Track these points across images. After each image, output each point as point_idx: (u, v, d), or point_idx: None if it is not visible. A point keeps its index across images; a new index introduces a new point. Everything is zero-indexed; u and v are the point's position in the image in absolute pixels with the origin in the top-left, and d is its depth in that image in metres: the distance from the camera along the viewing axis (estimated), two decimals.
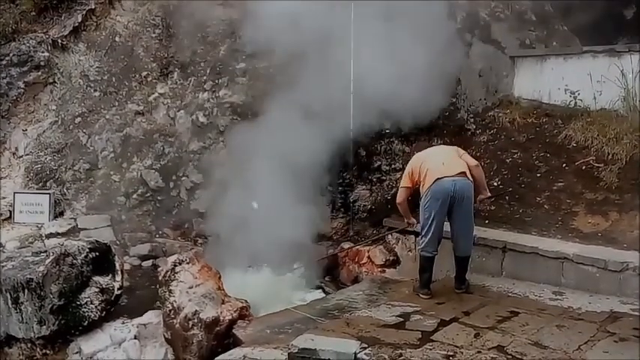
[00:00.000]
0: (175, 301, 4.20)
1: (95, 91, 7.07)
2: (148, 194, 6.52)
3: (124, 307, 4.79)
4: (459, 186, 4.28)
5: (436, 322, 3.89)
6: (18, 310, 4.28)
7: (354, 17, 5.90)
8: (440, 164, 4.38)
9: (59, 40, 7.12)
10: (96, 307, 4.39)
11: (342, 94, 6.00)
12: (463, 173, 4.35)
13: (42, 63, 6.96)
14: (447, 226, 4.48)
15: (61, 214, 6.39)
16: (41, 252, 4.65)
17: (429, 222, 4.35)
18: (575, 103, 5.87)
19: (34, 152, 6.71)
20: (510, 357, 3.33)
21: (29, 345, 4.36)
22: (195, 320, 4.05)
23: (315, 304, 4.63)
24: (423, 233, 4.46)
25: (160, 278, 4.42)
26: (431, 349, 3.45)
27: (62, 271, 4.28)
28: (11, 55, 6.89)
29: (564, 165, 5.47)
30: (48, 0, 7.25)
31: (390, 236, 5.73)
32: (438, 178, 4.29)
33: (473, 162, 4.54)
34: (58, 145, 6.73)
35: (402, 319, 4.00)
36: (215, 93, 7.00)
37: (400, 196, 4.72)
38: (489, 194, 4.74)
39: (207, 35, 7.33)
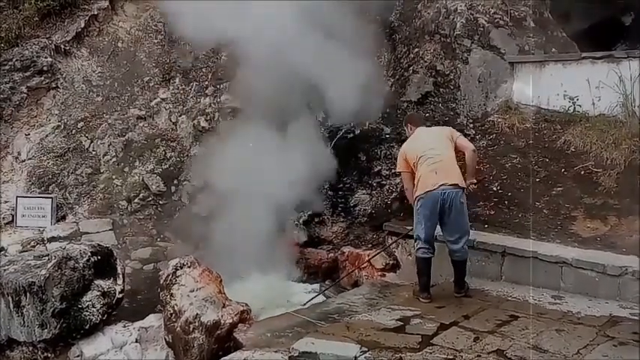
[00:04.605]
0: (176, 305, 4.22)
1: (97, 96, 7.12)
2: (150, 198, 6.55)
3: (126, 311, 4.82)
4: (447, 195, 4.36)
5: (436, 326, 3.91)
6: (20, 314, 4.29)
7: None
8: (433, 173, 4.41)
9: (62, 46, 7.19)
10: (97, 310, 4.40)
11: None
12: (455, 185, 4.40)
13: (45, 68, 7.03)
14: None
15: (63, 218, 6.42)
16: (43, 256, 4.67)
17: (420, 226, 4.49)
18: (574, 108, 5.88)
19: (37, 156, 6.75)
20: None
21: (31, 348, 4.37)
22: (196, 324, 4.07)
23: (316, 307, 4.65)
24: (415, 236, 4.58)
25: (161, 282, 4.43)
26: (431, 353, 3.47)
27: (64, 275, 4.29)
28: (14, 60, 6.95)
29: (563, 170, 5.49)
30: (51, 6, 7.30)
31: (389, 240, 5.76)
32: (429, 191, 4.39)
33: (469, 146, 4.63)
34: (61, 149, 6.78)
35: (402, 323, 4.02)
36: (217, 98, 7.05)
37: (407, 183, 4.74)
38: (474, 180, 4.78)
39: None
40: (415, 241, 4.59)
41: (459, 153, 4.69)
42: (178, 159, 6.74)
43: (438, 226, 4.55)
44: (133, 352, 4.33)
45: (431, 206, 4.38)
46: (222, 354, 3.88)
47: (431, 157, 4.47)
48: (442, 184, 4.36)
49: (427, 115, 6.39)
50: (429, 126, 5.15)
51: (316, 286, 5.84)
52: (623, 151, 5.24)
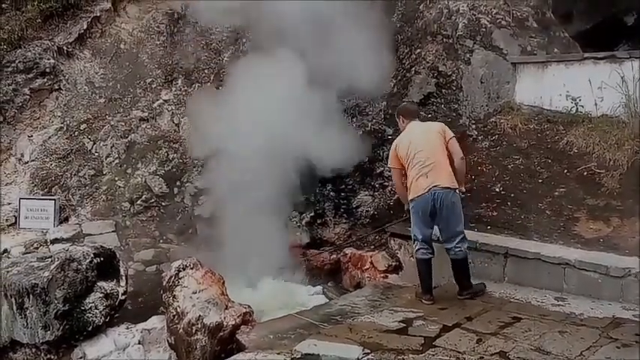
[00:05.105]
0: (179, 307, 4.23)
1: (100, 97, 7.13)
2: (153, 200, 6.56)
3: (128, 313, 4.82)
4: (437, 195, 4.40)
5: (439, 328, 3.91)
6: (23, 316, 4.30)
7: None
8: (424, 177, 4.43)
9: (65, 47, 7.19)
10: (100, 312, 4.41)
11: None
12: (446, 188, 4.41)
13: (47, 70, 7.03)
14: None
15: (66, 219, 6.42)
16: (46, 257, 4.68)
17: (416, 227, 4.56)
18: (577, 109, 5.86)
19: (40, 158, 6.75)
20: None
21: (34, 350, 4.38)
22: (199, 325, 4.07)
23: (318, 309, 4.65)
24: (413, 237, 4.65)
25: (164, 283, 4.44)
26: (433, 355, 3.47)
27: (67, 277, 4.30)
28: (17, 61, 6.96)
29: (566, 171, 5.48)
30: (53, 7, 7.31)
31: (392, 242, 5.75)
32: (420, 194, 4.44)
33: (458, 153, 4.58)
34: (64, 151, 6.78)
35: (404, 325, 4.02)
36: None
37: (397, 179, 4.80)
38: (463, 189, 4.74)
39: (210, 42, 7.41)
40: (414, 242, 4.65)
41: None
42: (181, 160, 6.75)
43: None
44: (136, 353, 4.34)
45: (422, 208, 4.46)
46: (225, 356, 3.89)
47: (421, 160, 4.47)
48: (433, 187, 4.41)
49: (430, 115, 6.38)
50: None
51: (319, 287, 5.85)
52: (626, 151, 5.23)
